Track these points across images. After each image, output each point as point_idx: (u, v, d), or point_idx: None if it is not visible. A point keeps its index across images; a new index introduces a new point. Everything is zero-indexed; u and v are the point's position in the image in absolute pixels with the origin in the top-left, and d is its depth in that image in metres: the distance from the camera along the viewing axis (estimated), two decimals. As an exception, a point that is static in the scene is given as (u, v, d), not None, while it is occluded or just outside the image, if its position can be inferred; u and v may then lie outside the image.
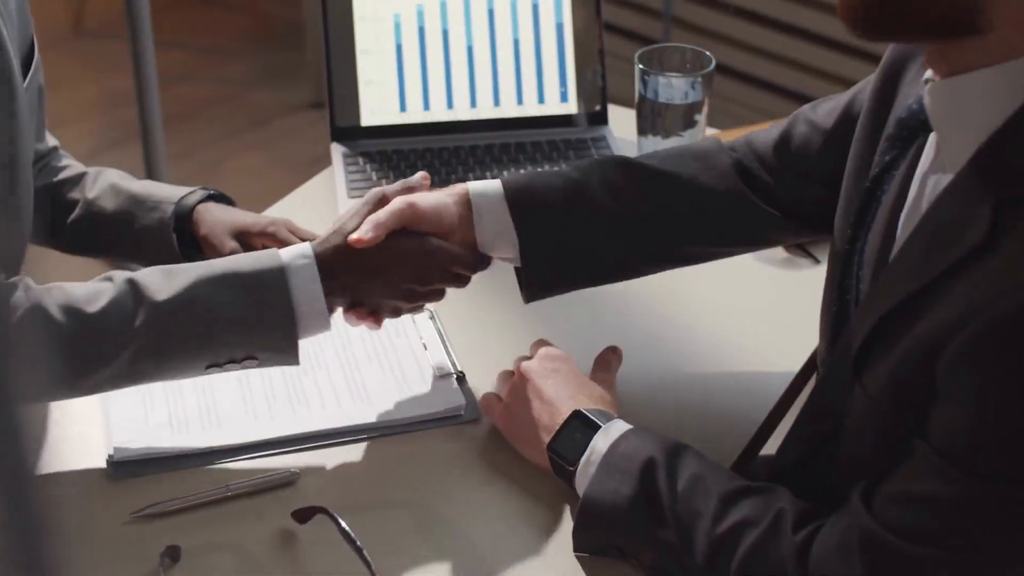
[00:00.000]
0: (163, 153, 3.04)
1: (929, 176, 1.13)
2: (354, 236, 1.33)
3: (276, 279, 1.31)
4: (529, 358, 1.39)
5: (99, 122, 3.92)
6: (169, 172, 3.41)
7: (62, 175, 1.66)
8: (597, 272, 1.43)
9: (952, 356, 1.00)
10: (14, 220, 1.49)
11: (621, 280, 1.45)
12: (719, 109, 3.53)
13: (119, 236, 1.62)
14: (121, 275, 1.31)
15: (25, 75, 1.51)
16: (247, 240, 1.57)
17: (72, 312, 1.28)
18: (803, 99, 3.35)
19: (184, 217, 1.59)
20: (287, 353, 1.33)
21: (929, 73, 1.10)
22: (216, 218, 1.59)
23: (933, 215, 1.08)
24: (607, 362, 1.41)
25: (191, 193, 1.61)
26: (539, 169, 1.80)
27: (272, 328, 1.31)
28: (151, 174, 3.02)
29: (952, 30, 1.02)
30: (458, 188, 1.39)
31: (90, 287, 1.30)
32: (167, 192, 1.61)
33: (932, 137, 1.13)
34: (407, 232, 1.35)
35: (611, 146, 1.87)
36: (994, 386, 0.99)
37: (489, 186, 1.38)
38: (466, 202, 1.37)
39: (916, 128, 1.13)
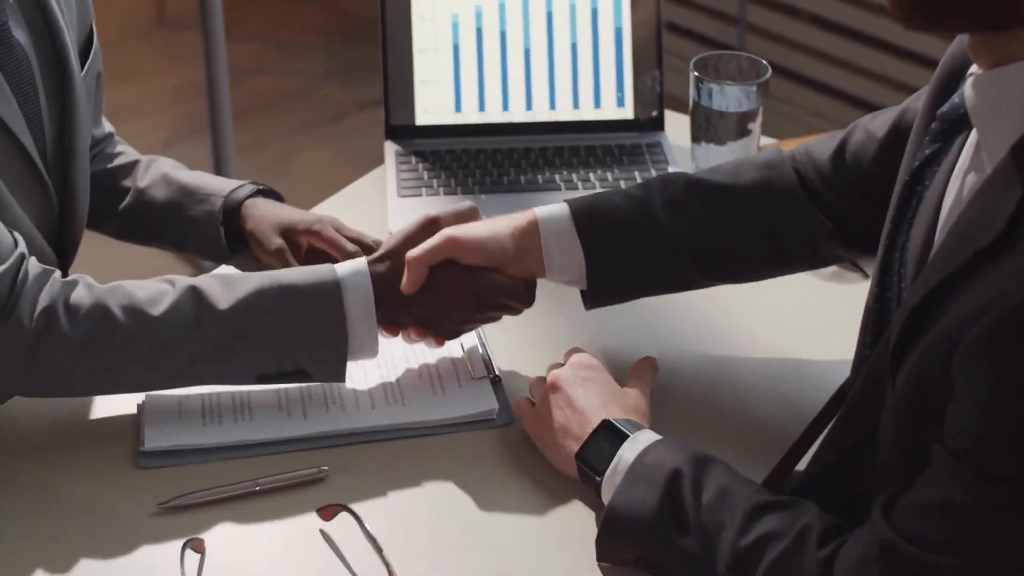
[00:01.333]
0: (231, 145, 3.06)
1: (969, 172, 1.10)
2: (403, 285, 1.38)
3: (332, 294, 1.35)
4: (563, 365, 1.38)
5: (177, 112, 3.96)
6: (239, 164, 3.44)
7: (116, 162, 1.68)
8: (659, 286, 1.46)
9: (964, 351, 0.98)
10: (71, 204, 1.51)
11: (683, 291, 1.48)
12: (791, 117, 3.53)
13: (168, 226, 1.64)
14: (183, 280, 1.35)
15: (83, 62, 1.52)
16: (293, 237, 1.57)
17: (135, 313, 1.31)
18: (876, 110, 3.31)
19: (232, 211, 1.60)
20: (336, 369, 1.37)
21: (974, 67, 1.08)
22: (263, 214, 1.60)
23: (966, 212, 1.05)
24: (642, 372, 1.40)
25: (240, 187, 1.62)
26: (597, 182, 1.79)
27: (324, 342, 1.36)
28: (219, 166, 3.05)
29: (1001, 22, 1.00)
30: (521, 218, 1.41)
31: (152, 289, 1.34)
32: (217, 185, 1.63)
33: (974, 132, 1.10)
34: (457, 263, 1.39)
35: (666, 152, 1.85)
36: (1004, 382, 0.96)
37: (556, 210, 1.41)
38: (525, 233, 1.41)
39: (956, 122, 1.12)
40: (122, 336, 1.31)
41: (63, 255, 1.53)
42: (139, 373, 1.34)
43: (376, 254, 1.41)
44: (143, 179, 1.66)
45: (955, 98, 1.11)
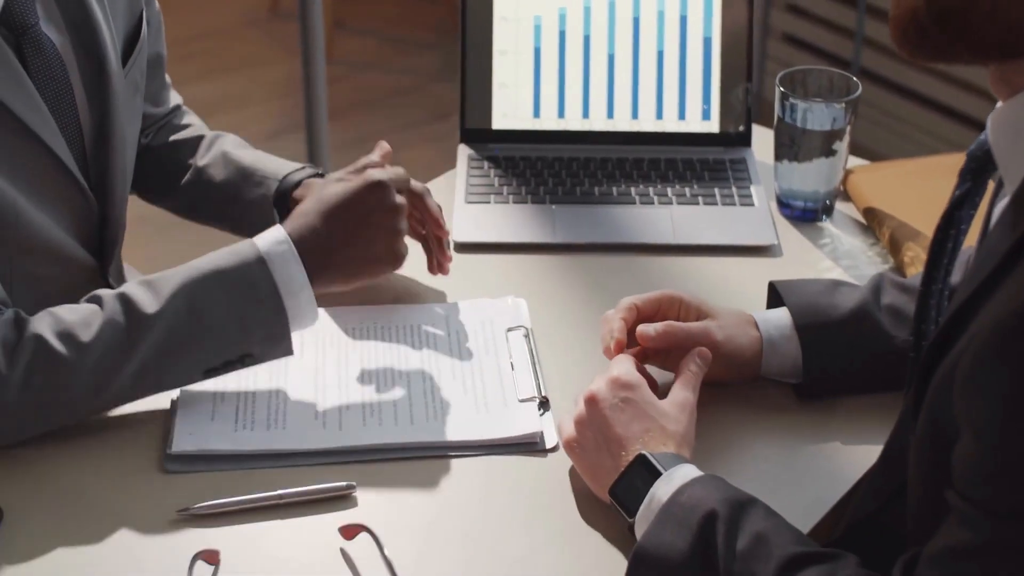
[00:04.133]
0: (327, 142, 3.02)
1: (994, 208, 1.05)
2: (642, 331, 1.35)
3: (259, 270, 1.30)
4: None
5: (283, 103, 3.95)
6: (340, 159, 3.40)
7: (180, 135, 1.66)
8: (875, 385, 1.39)
9: (959, 381, 0.93)
10: (109, 205, 1.48)
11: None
12: (906, 136, 3.40)
13: (225, 208, 1.61)
14: (109, 294, 1.30)
15: (130, 53, 1.50)
16: None
17: (69, 340, 1.27)
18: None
19: (286, 193, 1.55)
20: (281, 345, 1.33)
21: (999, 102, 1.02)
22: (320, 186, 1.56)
23: (982, 245, 1.01)
24: (689, 374, 1.31)
25: (297, 171, 1.58)
26: (674, 196, 1.72)
27: (263, 321, 1.31)
28: (313, 161, 3.02)
29: (1006, 52, 0.95)
30: (751, 328, 1.38)
31: (82, 312, 1.29)
32: (274, 167, 1.59)
33: None
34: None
35: (750, 170, 1.77)
36: (997, 411, 0.90)
37: (777, 315, 1.39)
38: (754, 341, 1.38)
39: (983, 160, 1.06)
40: (61, 365, 1.26)
41: (103, 256, 1.50)
42: (86, 400, 1.29)
43: (294, 213, 1.36)
44: (204, 157, 1.63)
45: (982, 135, 1.04)
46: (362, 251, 1.36)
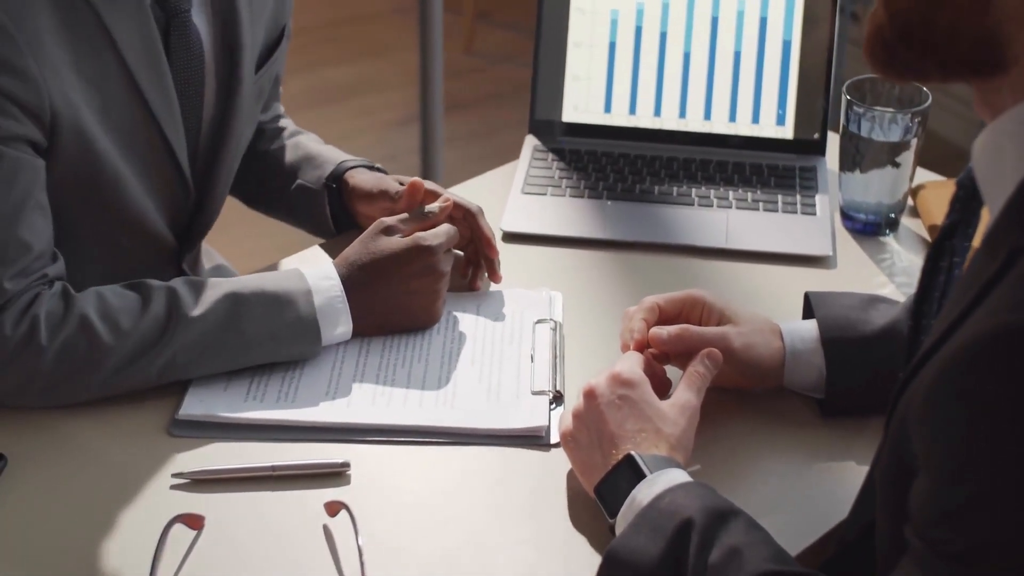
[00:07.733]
0: (441, 133, 3.02)
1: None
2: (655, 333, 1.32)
3: (303, 300, 1.36)
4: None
5: (417, 92, 3.98)
6: (455, 151, 3.41)
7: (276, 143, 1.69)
8: None
9: (912, 422, 0.89)
10: (208, 198, 1.52)
11: None
12: None
13: (283, 190, 1.63)
14: (157, 286, 1.34)
15: (266, 60, 1.53)
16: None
17: (111, 324, 1.31)
18: None
19: (339, 177, 1.58)
20: (308, 356, 1.39)
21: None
22: (371, 174, 1.59)
23: (960, 284, 0.94)
24: (695, 376, 1.27)
25: (355, 160, 1.60)
26: (735, 200, 1.68)
27: (296, 343, 1.37)
28: (426, 156, 3.02)
29: (977, 69, 0.91)
30: (775, 338, 1.34)
31: (128, 299, 1.33)
32: (336, 155, 1.61)
33: None
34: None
35: (819, 179, 1.72)
36: (946, 451, 0.85)
37: (805, 327, 1.34)
38: (777, 352, 1.34)
39: (971, 187, 1.01)
40: (99, 346, 1.30)
41: (188, 242, 1.55)
42: (116, 381, 1.32)
43: (343, 255, 1.41)
44: (277, 143, 1.66)
45: (971, 163, 0.99)
46: (399, 308, 1.42)
